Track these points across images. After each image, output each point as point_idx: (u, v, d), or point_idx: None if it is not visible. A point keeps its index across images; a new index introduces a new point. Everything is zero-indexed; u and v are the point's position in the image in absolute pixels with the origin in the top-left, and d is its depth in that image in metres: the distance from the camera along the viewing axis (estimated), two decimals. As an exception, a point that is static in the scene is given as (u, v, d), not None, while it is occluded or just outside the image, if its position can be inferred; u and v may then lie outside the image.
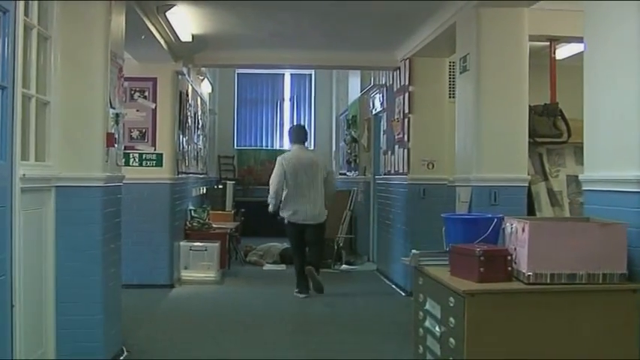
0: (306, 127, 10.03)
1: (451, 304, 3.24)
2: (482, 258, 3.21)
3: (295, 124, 11.88)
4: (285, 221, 7.96)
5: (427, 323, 3.67)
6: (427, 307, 3.68)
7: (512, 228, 3.39)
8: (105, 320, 4.73)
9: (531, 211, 5.65)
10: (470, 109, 5.79)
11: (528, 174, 5.70)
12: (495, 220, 3.58)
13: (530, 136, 5.76)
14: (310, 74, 16.02)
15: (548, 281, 3.17)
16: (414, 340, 3.95)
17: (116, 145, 4.98)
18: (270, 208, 7.92)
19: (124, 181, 5.34)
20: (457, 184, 6.02)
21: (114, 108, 4.92)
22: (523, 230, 3.22)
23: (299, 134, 8.24)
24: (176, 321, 6.64)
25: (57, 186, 4.54)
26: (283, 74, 16.02)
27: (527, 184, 5.67)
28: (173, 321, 6.64)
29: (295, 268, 8.02)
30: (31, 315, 4.18)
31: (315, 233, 7.90)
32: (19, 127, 3.77)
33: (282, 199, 7.83)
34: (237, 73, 15.81)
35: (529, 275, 3.17)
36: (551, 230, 3.24)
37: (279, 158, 8.01)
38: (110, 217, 4.90)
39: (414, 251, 3.84)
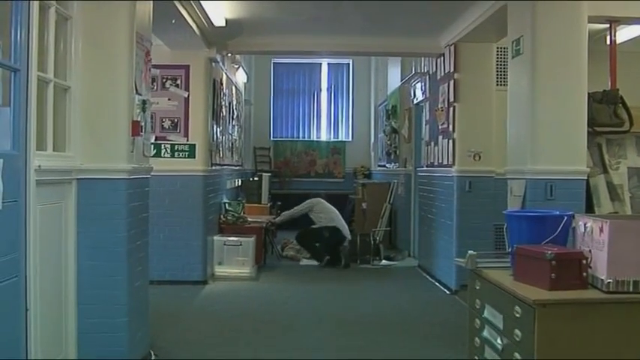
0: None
1: (517, 315, 2.84)
2: (554, 262, 2.80)
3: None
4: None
5: (485, 333, 3.27)
6: (485, 314, 3.28)
7: (585, 227, 2.96)
8: (130, 323, 4.42)
9: (589, 206, 5.23)
10: (524, 95, 5.39)
11: (587, 166, 5.27)
12: (565, 218, 3.15)
13: (588, 125, 5.35)
14: (348, 63, 15.63)
15: (631, 289, 2.76)
16: (469, 349, 3.57)
17: (143, 134, 4.64)
18: (278, 220, 10.40)
19: (154, 173, 5.06)
20: (509, 176, 5.60)
21: (140, 94, 4.58)
22: (601, 230, 2.80)
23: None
24: (208, 321, 6.32)
25: (78, 178, 4.24)
26: (320, 63, 15.67)
27: (585, 177, 5.25)
28: (205, 321, 6.32)
29: (318, 254, 9.97)
30: (50, 318, 3.91)
31: (341, 238, 10.07)
32: (35, 115, 3.50)
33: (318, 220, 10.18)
34: (273, 63, 15.50)
35: (608, 282, 2.76)
36: (634, 231, 2.81)
37: (310, 200, 10.49)
38: (136, 212, 4.56)
39: (470, 252, 3.43)
